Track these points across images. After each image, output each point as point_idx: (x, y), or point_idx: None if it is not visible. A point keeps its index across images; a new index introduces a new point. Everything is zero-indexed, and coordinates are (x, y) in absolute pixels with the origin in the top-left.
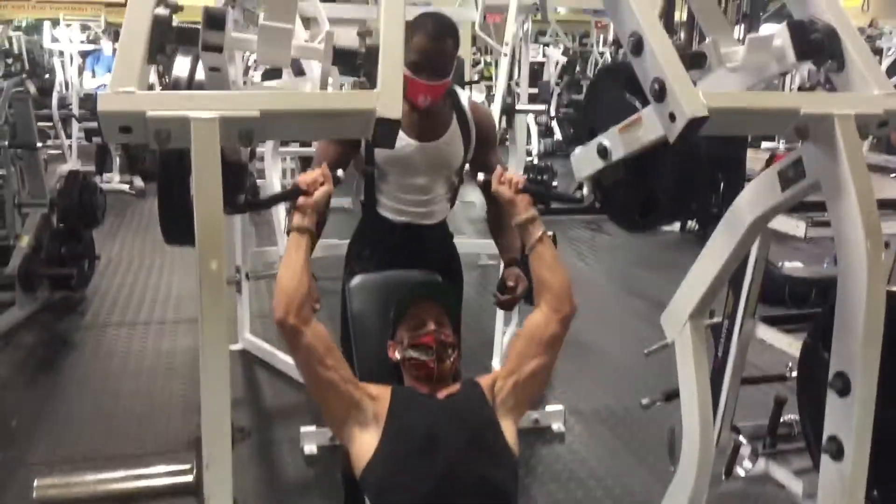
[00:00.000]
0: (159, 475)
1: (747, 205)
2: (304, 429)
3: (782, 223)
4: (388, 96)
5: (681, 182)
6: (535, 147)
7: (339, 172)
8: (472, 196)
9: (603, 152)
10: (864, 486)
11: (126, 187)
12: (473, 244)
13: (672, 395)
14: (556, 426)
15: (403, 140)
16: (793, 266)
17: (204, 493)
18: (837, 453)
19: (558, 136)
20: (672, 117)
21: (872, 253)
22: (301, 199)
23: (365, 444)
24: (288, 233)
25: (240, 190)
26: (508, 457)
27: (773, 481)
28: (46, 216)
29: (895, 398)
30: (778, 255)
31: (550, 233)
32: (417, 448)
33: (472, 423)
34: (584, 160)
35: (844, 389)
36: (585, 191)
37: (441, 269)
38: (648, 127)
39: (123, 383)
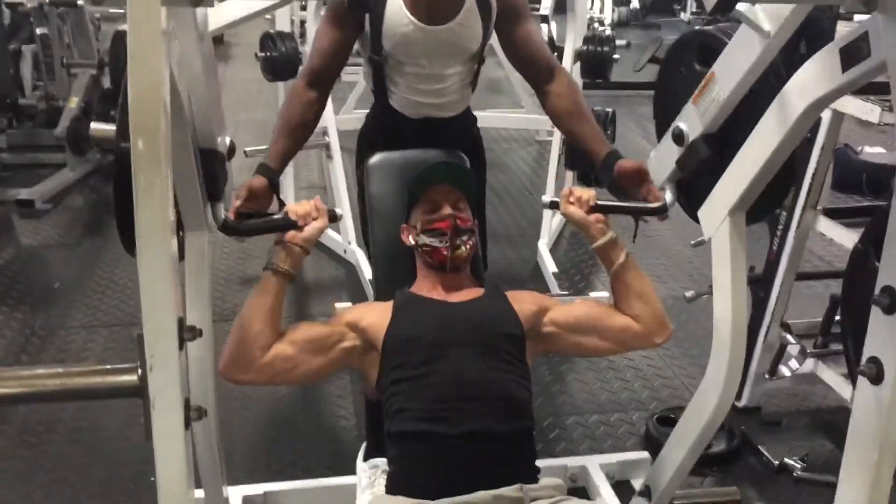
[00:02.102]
0: (101, 373)
1: (802, 86)
2: (339, 305)
3: (855, 106)
4: None
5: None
6: (608, 16)
7: (338, 211)
8: None
9: (679, 137)
10: None
11: None
12: (530, 119)
13: None
14: None
15: (410, 23)
16: (873, 151)
17: (149, 396)
18: (877, 377)
19: (636, 3)
20: None
21: None
22: (290, 234)
23: (371, 366)
24: (265, 268)
25: (213, 188)
26: (525, 368)
27: (823, 382)
28: (96, 77)
29: None
30: (859, 140)
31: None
32: (422, 358)
33: (487, 329)
34: (660, 159)
35: (892, 306)
36: (668, 197)
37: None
38: (724, 78)
39: None
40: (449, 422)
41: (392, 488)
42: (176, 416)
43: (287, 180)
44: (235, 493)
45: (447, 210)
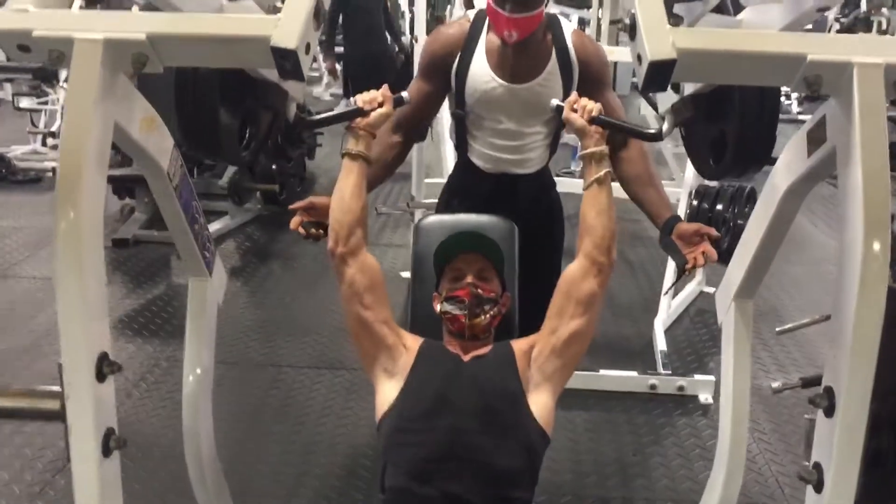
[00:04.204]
0: (28, 395)
1: (781, 172)
2: None
3: None
4: (288, 23)
5: (747, 125)
6: None
7: (405, 94)
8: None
9: (676, 85)
10: None
11: None
12: (674, 193)
13: (811, 382)
14: (704, 397)
15: (492, 80)
16: None
17: (66, 422)
18: (818, 485)
19: None
20: (640, 59)
21: (869, 248)
22: (356, 120)
23: (387, 393)
24: (342, 155)
25: (276, 101)
26: (527, 431)
27: None
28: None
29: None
30: None
31: None
32: (426, 410)
33: (489, 391)
34: (666, 94)
35: (830, 409)
36: (665, 126)
37: (537, 224)
38: None
39: (298, 293)
40: (432, 483)
41: None
42: (92, 442)
43: None
44: None
45: (469, 279)
